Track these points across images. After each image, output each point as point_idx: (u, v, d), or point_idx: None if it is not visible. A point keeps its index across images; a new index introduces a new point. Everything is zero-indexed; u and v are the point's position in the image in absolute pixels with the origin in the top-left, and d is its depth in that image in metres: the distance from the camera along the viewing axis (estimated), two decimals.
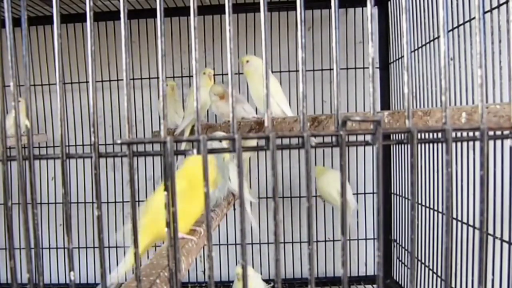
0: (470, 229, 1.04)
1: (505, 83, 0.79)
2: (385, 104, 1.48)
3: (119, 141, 0.31)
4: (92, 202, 1.58)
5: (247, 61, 1.18)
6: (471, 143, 0.77)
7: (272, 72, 1.50)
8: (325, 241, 1.55)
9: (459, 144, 1.07)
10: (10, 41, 0.37)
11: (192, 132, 1.36)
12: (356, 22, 1.52)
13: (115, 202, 1.56)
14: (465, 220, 1.06)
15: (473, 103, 0.98)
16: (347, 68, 1.51)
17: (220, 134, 0.93)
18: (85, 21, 0.35)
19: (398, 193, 1.43)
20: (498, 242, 0.91)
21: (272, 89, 1.15)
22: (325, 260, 1.56)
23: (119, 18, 0.35)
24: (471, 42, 0.96)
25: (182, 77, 1.55)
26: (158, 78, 1.45)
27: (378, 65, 1.48)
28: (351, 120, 0.28)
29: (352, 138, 0.83)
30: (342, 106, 1.51)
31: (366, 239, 1.55)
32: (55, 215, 1.57)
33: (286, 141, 1.31)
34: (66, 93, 1.54)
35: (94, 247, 1.58)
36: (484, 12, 0.38)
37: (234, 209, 1.44)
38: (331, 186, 1.28)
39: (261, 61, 1.16)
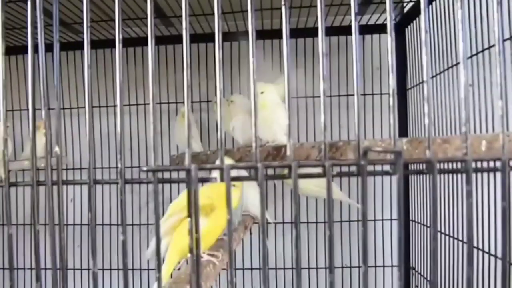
0: (492, 258, 1.02)
1: None
2: (403, 129, 1.47)
3: (144, 169, 0.32)
4: (117, 225, 1.59)
5: (232, 101, 1.33)
6: None
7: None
8: (342, 267, 1.53)
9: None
10: (43, 67, 0.39)
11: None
12: (373, 48, 1.53)
13: (132, 224, 1.57)
14: (486, 249, 1.04)
15: (493, 129, 0.97)
16: (364, 94, 1.51)
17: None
18: (114, 47, 0.36)
19: (416, 220, 1.41)
20: None
21: (281, 119, 1.17)
22: (342, 287, 1.53)
23: (146, 44, 0.37)
24: (491, 68, 0.96)
25: (200, 102, 1.57)
26: (183, 102, 1.49)
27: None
28: (372, 150, 0.29)
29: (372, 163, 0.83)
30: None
31: (384, 266, 1.52)
32: (73, 236, 1.58)
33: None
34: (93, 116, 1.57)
35: (118, 269, 1.58)
36: (504, 40, 0.38)
37: (251, 234, 1.43)
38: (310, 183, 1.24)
39: (244, 99, 1.27)
